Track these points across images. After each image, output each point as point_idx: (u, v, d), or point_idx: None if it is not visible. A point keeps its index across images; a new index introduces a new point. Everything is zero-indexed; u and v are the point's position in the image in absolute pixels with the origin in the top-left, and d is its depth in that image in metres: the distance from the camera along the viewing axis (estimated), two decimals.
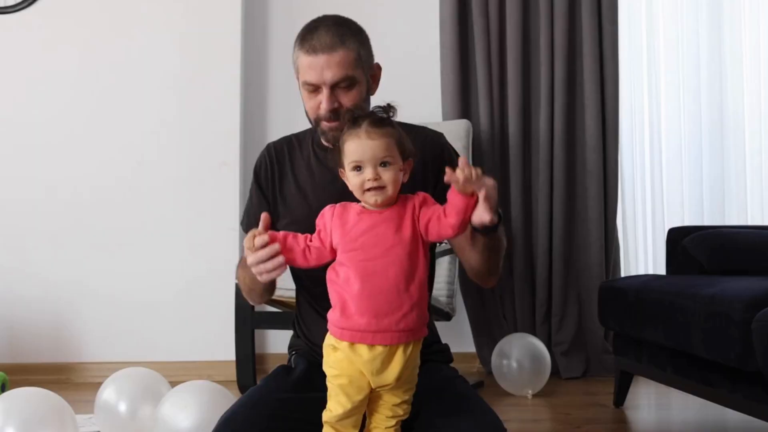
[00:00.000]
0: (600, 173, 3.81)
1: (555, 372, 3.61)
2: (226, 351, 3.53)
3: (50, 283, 3.71)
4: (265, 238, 1.45)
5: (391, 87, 3.64)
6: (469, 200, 1.40)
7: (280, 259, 1.44)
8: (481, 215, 1.40)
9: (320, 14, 1.76)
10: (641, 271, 3.96)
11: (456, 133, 3.59)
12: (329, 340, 1.46)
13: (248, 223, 1.80)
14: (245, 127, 3.85)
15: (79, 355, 3.71)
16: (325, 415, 1.47)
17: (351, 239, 1.43)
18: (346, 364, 1.43)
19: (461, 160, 1.39)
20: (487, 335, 3.81)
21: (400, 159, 1.45)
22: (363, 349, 1.41)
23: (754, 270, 2.82)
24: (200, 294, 3.71)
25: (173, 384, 2.43)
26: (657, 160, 4.02)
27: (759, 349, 2.10)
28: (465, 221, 1.42)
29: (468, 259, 1.65)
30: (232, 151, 3.74)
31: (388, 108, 1.49)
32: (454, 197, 1.40)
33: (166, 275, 3.73)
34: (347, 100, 1.67)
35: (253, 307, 3.29)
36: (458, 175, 1.36)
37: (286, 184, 1.77)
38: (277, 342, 3.88)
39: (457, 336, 3.79)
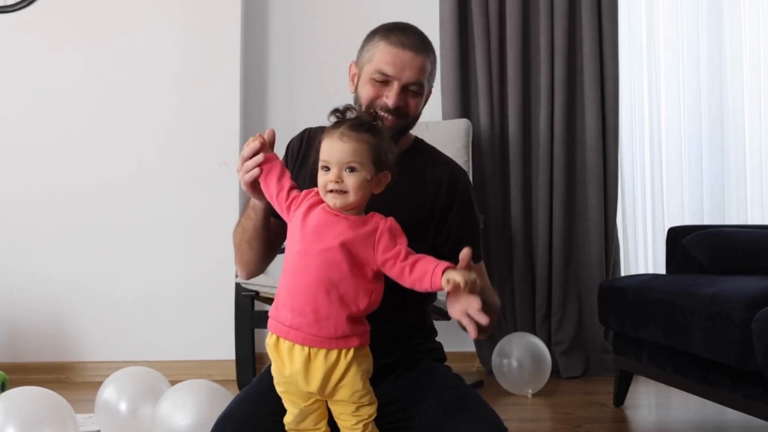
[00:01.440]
0: (600, 173, 3.81)
1: (555, 371, 3.61)
2: (226, 350, 3.53)
3: (50, 283, 3.71)
4: (255, 144, 1.52)
5: None
6: (438, 288, 1.39)
7: (259, 158, 1.50)
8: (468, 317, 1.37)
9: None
10: (641, 271, 3.96)
11: (456, 132, 3.59)
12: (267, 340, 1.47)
13: None
14: (245, 127, 3.84)
15: (79, 355, 3.71)
16: (285, 421, 1.48)
17: (301, 228, 1.43)
18: (280, 370, 1.43)
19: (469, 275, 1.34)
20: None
21: (372, 167, 1.42)
22: (284, 350, 1.41)
23: (754, 270, 2.82)
24: (200, 293, 3.71)
25: (173, 383, 2.43)
26: (657, 160, 4.02)
27: (759, 349, 2.10)
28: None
29: None
30: (232, 151, 3.73)
31: (375, 116, 1.48)
32: (436, 275, 1.36)
33: (166, 275, 3.73)
34: (413, 104, 1.69)
35: (253, 306, 3.30)
36: (458, 280, 1.33)
37: (304, 170, 1.77)
38: None
39: (457, 336, 3.76)
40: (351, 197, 1.41)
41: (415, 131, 1.84)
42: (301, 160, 1.79)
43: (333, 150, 1.41)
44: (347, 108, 1.48)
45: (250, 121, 3.89)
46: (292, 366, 1.40)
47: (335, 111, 1.47)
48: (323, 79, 3.86)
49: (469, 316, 1.36)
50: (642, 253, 4.01)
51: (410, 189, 1.67)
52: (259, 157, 1.50)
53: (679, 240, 3.08)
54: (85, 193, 3.74)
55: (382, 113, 1.65)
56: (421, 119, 1.80)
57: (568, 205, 3.84)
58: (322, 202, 1.45)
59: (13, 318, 3.69)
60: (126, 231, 3.73)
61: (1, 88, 3.76)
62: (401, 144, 1.74)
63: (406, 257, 1.40)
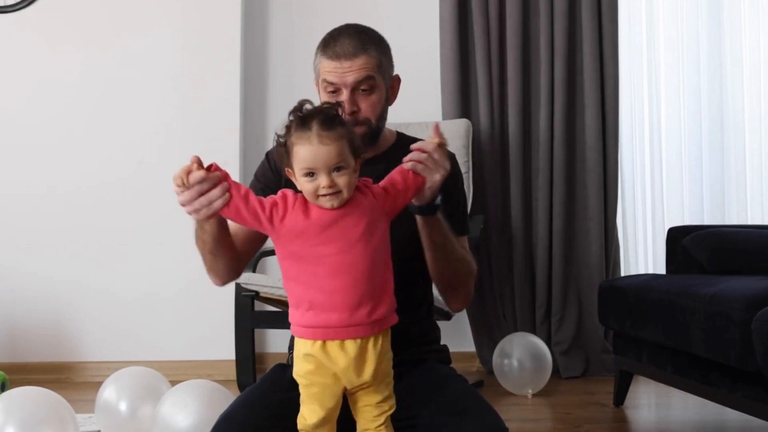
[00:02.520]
0: (600, 173, 3.81)
1: (555, 371, 3.60)
2: (226, 350, 3.53)
3: (50, 283, 3.71)
4: (201, 173, 1.41)
5: None
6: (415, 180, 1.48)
7: (225, 185, 1.41)
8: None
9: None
10: (641, 271, 3.96)
11: (456, 132, 3.59)
12: (299, 347, 1.43)
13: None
14: (245, 127, 3.85)
15: (79, 355, 3.71)
16: (300, 423, 1.44)
17: (315, 233, 1.40)
18: (318, 371, 1.41)
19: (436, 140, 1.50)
20: (486, 335, 3.81)
21: (353, 159, 1.42)
22: (335, 349, 1.39)
23: (754, 270, 2.82)
24: (200, 294, 3.71)
25: (173, 383, 2.43)
26: (657, 160, 4.02)
27: (759, 349, 2.10)
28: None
29: (429, 269, 1.68)
30: (232, 151, 3.74)
31: (338, 104, 1.47)
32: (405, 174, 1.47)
33: (166, 275, 3.73)
34: (366, 104, 1.68)
35: (253, 306, 3.30)
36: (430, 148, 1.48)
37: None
38: (277, 342, 3.88)
39: (457, 336, 3.79)
40: (345, 194, 1.40)
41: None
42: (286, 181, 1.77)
43: (317, 156, 1.38)
44: (304, 103, 1.44)
45: (250, 121, 3.89)
46: (346, 363, 1.39)
47: (294, 110, 1.44)
48: None
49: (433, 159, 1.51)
50: (642, 253, 4.01)
51: None
52: (225, 185, 1.42)
53: (679, 240, 3.08)
54: (85, 192, 3.74)
55: None
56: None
57: (568, 205, 3.84)
58: (304, 203, 1.42)
59: (13, 318, 3.69)
60: (126, 231, 3.73)
61: (0, 88, 3.76)
62: (382, 144, 1.77)
63: (394, 182, 1.49)
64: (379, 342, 1.42)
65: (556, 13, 3.80)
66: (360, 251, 1.40)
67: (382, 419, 1.45)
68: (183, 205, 1.45)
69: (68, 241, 3.72)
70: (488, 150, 3.82)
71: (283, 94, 3.93)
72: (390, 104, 1.77)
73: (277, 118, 3.92)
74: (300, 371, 1.43)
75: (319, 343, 1.40)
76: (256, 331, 3.40)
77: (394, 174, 1.50)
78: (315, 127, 1.39)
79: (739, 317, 2.19)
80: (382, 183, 1.49)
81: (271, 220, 1.41)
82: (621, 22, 3.90)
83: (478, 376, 3.66)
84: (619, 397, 3.10)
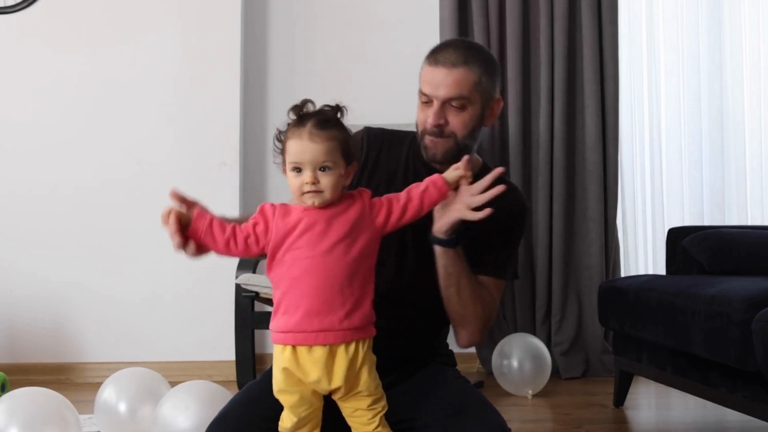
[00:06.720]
0: (600, 173, 3.81)
1: (555, 372, 3.61)
2: (226, 351, 3.53)
3: (50, 284, 3.71)
4: (170, 226, 1.43)
5: (391, 87, 3.68)
6: (446, 191, 1.49)
7: (176, 240, 1.43)
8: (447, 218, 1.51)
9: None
10: (641, 271, 3.96)
11: None
12: (275, 359, 1.44)
13: None
14: (245, 127, 3.84)
15: (79, 355, 3.70)
16: (280, 426, 1.47)
17: (294, 238, 1.42)
18: (289, 381, 1.42)
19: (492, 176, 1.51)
20: (487, 335, 3.80)
21: (343, 163, 1.43)
22: (304, 355, 1.40)
23: (754, 270, 2.82)
24: (200, 294, 3.71)
25: (173, 384, 2.43)
26: (657, 160, 4.02)
27: (759, 349, 2.10)
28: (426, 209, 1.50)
29: (444, 299, 1.66)
30: (232, 151, 3.73)
31: (338, 108, 1.47)
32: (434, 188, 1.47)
33: (166, 276, 3.72)
34: (456, 120, 1.66)
35: (253, 307, 3.30)
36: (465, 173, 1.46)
37: (377, 173, 1.75)
38: None
39: None
40: (327, 195, 1.41)
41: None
42: (374, 162, 1.77)
43: (305, 151, 1.40)
44: (305, 102, 1.46)
45: (250, 121, 3.89)
46: (316, 369, 1.40)
47: (294, 108, 1.45)
48: (323, 79, 3.86)
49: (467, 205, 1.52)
50: (642, 254, 4.01)
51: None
52: (175, 240, 1.44)
53: (679, 241, 3.08)
54: (86, 193, 3.74)
55: (429, 136, 1.67)
56: None
57: (568, 206, 3.84)
58: (285, 211, 1.44)
59: (13, 319, 3.69)
60: (126, 232, 3.73)
61: (1, 88, 3.76)
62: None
63: (398, 198, 1.48)
64: (351, 349, 1.41)
65: (556, 13, 3.80)
66: (335, 257, 1.40)
67: (376, 421, 1.45)
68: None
69: (68, 242, 3.72)
70: (488, 150, 3.82)
71: (283, 94, 3.93)
72: (486, 125, 1.74)
73: (277, 117, 3.92)
74: (275, 385, 1.45)
75: (289, 349, 1.41)
76: (256, 331, 3.40)
77: (405, 191, 1.49)
78: (309, 125, 1.41)
79: (739, 318, 2.19)
80: (389, 195, 1.48)
81: (257, 241, 1.44)
82: (621, 23, 3.90)
83: (478, 377, 3.66)
84: (619, 397, 3.10)
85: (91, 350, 3.71)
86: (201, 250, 1.47)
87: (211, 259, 3.86)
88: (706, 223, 3.93)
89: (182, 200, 1.45)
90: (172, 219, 1.42)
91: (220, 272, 3.57)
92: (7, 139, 3.74)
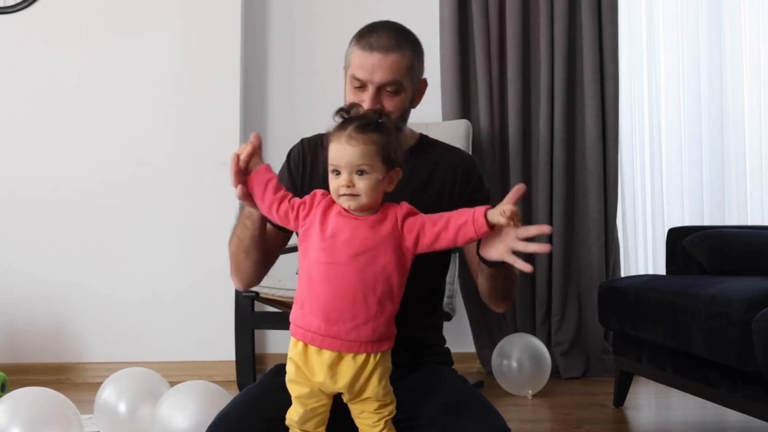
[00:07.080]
0: (600, 173, 3.81)
1: (555, 372, 3.61)
2: (226, 351, 3.53)
3: (50, 284, 3.71)
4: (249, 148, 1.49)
5: None
6: (485, 232, 1.41)
7: (248, 149, 1.50)
8: (492, 251, 1.47)
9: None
10: (641, 271, 3.96)
11: (456, 133, 3.59)
12: (289, 349, 1.46)
13: None
14: (245, 127, 3.84)
15: (79, 355, 3.71)
16: (287, 418, 1.48)
17: (323, 237, 1.42)
18: (299, 374, 1.44)
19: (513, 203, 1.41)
20: (487, 335, 3.81)
21: (383, 167, 1.42)
22: (313, 355, 1.42)
23: (754, 270, 2.82)
24: (200, 294, 3.71)
25: (173, 384, 2.43)
26: (657, 160, 4.02)
27: (759, 349, 2.10)
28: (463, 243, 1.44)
29: (478, 283, 1.69)
30: (232, 151, 3.71)
31: (382, 113, 1.47)
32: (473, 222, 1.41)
33: (166, 275, 3.72)
34: (390, 104, 1.66)
35: (253, 307, 3.29)
36: (508, 213, 1.39)
37: (315, 180, 1.76)
38: (277, 342, 3.88)
39: (457, 336, 3.79)
40: (364, 200, 1.41)
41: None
42: (310, 170, 1.78)
43: (342, 154, 1.40)
44: (352, 106, 1.48)
45: (250, 121, 3.89)
46: (321, 371, 1.41)
47: (341, 110, 1.47)
48: (323, 79, 3.86)
49: (514, 253, 1.45)
50: (642, 254, 4.01)
51: (422, 185, 1.70)
52: (248, 149, 1.50)
53: (680, 241, 3.08)
54: (85, 193, 3.74)
55: None
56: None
57: (568, 206, 3.84)
58: (333, 203, 1.45)
59: (13, 318, 3.69)
60: (126, 232, 3.73)
61: (1, 88, 3.76)
62: (402, 144, 1.74)
63: (434, 222, 1.43)
64: (360, 359, 1.42)
65: (556, 13, 3.80)
66: (352, 270, 1.40)
67: (381, 424, 1.46)
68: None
69: (68, 242, 3.72)
70: (488, 151, 3.82)
71: (283, 94, 3.93)
72: (414, 107, 1.76)
73: (277, 118, 3.94)
74: (287, 374, 1.47)
75: (300, 345, 1.43)
76: (256, 332, 3.40)
77: (445, 216, 1.44)
78: (350, 128, 1.42)
79: (739, 318, 2.19)
80: (425, 217, 1.45)
81: (297, 216, 1.46)
82: (621, 23, 3.90)
83: (478, 377, 3.66)
84: (619, 397, 3.10)
85: (91, 350, 3.71)
86: (249, 197, 1.50)
87: (211, 259, 3.87)
88: (706, 223, 3.93)
89: (259, 148, 1.51)
90: (244, 155, 1.48)
91: (220, 272, 3.56)
92: (7, 139, 3.74)
